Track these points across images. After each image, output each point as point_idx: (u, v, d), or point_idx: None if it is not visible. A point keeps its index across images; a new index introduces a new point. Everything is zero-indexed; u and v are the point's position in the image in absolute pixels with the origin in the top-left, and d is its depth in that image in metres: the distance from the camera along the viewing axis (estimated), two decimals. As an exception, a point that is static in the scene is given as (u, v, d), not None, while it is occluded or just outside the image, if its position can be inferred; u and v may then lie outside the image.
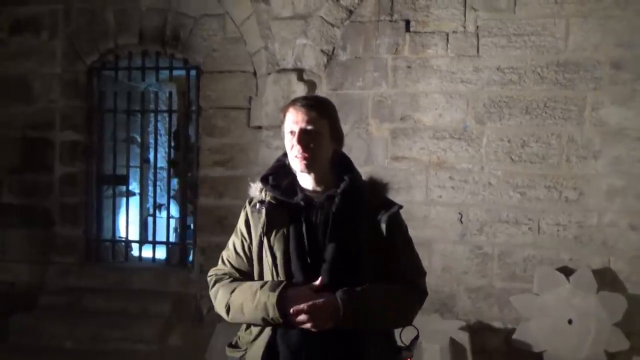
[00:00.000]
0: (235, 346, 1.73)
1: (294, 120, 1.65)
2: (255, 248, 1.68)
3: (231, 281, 1.68)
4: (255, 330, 1.66)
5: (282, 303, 1.52)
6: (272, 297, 1.52)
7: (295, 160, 1.65)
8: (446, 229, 4.11)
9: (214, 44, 4.62)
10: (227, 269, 1.74)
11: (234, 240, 1.76)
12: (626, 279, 3.85)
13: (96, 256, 4.98)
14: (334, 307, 1.50)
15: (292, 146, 1.65)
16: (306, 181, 1.69)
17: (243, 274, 1.71)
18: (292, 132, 1.65)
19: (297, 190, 1.67)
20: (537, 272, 3.86)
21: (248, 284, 1.64)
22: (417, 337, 1.71)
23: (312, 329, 1.51)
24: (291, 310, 1.51)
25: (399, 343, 1.72)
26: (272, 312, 1.53)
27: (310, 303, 1.49)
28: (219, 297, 1.68)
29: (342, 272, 1.58)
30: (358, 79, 4.23)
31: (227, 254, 1.77)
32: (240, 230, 1.73)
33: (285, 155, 1.74)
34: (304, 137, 1.63)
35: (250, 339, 1.67)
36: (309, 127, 1.64)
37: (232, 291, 1.64)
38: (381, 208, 1.67)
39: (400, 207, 1.70)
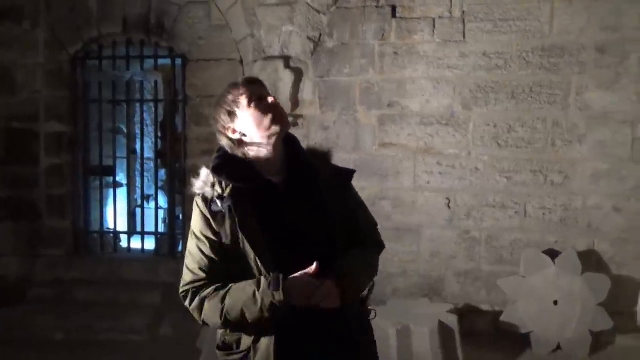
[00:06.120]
0: (226, 348, 1.61)
1: (255, 94, 1.57)
2: (230, 245, 1.54)
3: (215, 289, 1.54)
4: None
5: (288, 298, 1.47)
6: (279, 295, 1.45)
7: (272, 136, 1.56)
8: (434, 215, 4.14)
9: (199, 31, 4.57)
10: (203, 276, 1.56)
11: (199, 245, 1.57)
12: (610, 260, 3.92)
13: (85, 248, 4.95)
14: (338, 287, 1.50)
15: (264, 120, 1.55)
16: (262, 163, 1.60)
17: (222, 276, 1.55)
18: (257, 107, 1.56)
19: (254, 175, 1.59)
20: (524, 255, 3.91)
21: (238, 287, 1.52)
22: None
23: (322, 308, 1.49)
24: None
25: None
26: (281, 310, 1.48)
27: (323, 287, 1.48)
28: (210, 309, 1.53)
29: (323, 247, 1.56)
30: (345, 65, 4.22)
31: (196, 262, 1.57)
32: (203, 233, 1.57)
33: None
34: (274, 108, 1.58)
35: (249, 340, 1.57)
36: (272, 99, 1.58)
37: (223, 299, 1.51)
38: (336, 176, 1.67)
39: (354, 171, 1.71)
